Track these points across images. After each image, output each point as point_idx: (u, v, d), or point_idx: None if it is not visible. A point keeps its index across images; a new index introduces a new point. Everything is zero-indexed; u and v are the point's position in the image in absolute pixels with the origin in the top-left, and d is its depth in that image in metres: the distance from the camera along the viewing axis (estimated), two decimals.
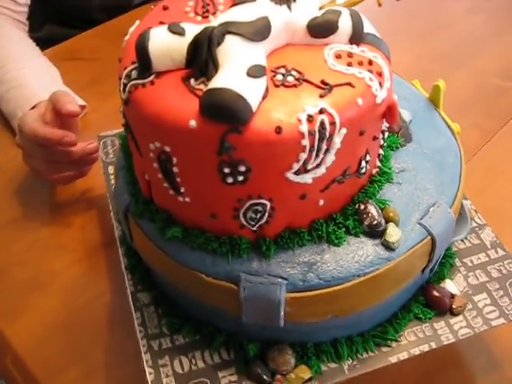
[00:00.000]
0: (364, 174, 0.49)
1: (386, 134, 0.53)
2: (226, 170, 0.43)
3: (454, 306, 0.57)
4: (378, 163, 0.52)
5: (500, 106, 0.96)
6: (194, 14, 0.49)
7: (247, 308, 0.49)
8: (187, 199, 0.47)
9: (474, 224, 0.65)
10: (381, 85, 0.44)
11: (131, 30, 0.49)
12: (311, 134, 0.41)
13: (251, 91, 0.40)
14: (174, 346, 0.55)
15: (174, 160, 0.44)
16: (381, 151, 0.52)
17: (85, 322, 0.66)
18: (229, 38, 0.42)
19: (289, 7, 0.45)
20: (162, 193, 0.48)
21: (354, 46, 0.46)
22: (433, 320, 0.57)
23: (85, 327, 0.66)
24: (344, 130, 0.42)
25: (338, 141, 0.43)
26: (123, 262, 0.60)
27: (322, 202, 0.47)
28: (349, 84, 0.43)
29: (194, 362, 0.54)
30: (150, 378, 0.52)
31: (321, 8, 0.48)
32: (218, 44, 0.42)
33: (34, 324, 0.67)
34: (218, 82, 0.40)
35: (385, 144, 0.53)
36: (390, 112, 0.47)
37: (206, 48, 0.41)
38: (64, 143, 0.71)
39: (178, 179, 0.46)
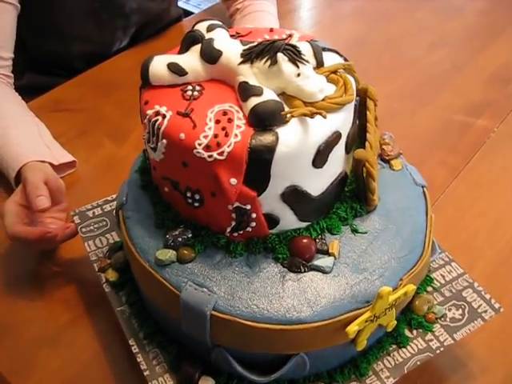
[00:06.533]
0: (191, 205, 0.57)
1: (254, 224, 0.57)
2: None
3: None
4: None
5: (464, 142, 1.01)
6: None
7: None
8: None
9: None
10: (208, 147, 0.52)
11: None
12: (149, 120, 0.56)
13: (158, 72, 0.57)
14: None
15: None
16: (233, 223, 0.56)
17: (94, 375, 0.69)
18: (198, 45, 0.58)
19: (243, 62, 0.55)
20: None
21: (244, 122, 0.53)
22: None
23: (95, 380, 0.69)
24: (164, 141, 0.55)
25: (160, 145, 0.55)
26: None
27: (166, 189, 0.60)
28: (194, 124, 0.53)
29: None
30: None
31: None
32: (194, 43, 0.59)
33: (46, 380, 0.69)
34: (159, 55, 0.59)
35: (249, 229, 0.57)
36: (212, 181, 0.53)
37: (185, 40, 0.59)
38: (45, 240, 0.75)
39: None
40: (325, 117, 0.51)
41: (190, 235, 0.59)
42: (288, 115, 0.51)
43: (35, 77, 1.19)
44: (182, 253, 0.58)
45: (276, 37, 0.63)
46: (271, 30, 0.65)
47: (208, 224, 0.59)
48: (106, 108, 1.06)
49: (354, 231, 0.61)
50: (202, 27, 0.60)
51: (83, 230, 0.76)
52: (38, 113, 0.97)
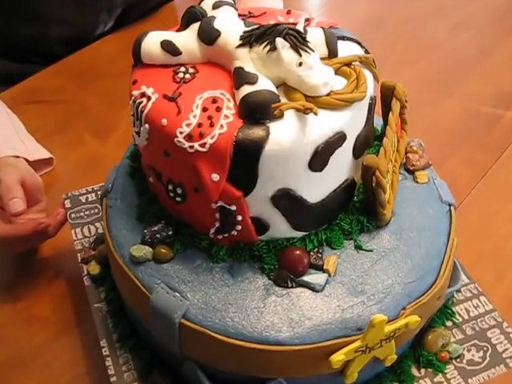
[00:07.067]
0: (173, 199, 0.52)
1: (240, 227, 0.51)
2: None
3: None
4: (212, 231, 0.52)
5: (493, 137, 0.91)
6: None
7: None
8: None
9: None
10: (190, 137, 0.46)
11: None
12: (134, 102, 0.51)
13: (150, 50, 0.52)
14: None
15: None
16: (217, 224, 0.51)
17: None
18: (197, 23, 0.52)
19: (241, 45, 0.49)
20: None
21: (233, 113, 0.47)
22: None
23: None
24: (147, 126, 0.49)
25: (143, 130, 0.50)
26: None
27: (151, 179, 0.55)
28: (179, 110, 0.48)
29: None
30: None
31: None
32: (194, 21, 0.53)
33: None
34: (155, 31, 0.54)
35: (234, 233, 0.51)
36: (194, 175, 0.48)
37: (184, 16, 0.54)
38: (39, 232, 0.68)
39: None
40: (316, 114, 0.44)
41: (170, 232, 0.53)
42: (277, 109, 0.44)
43: (8, 64, 1.04)
44: (159, 251, 0.53)
45: (291, 20, 0.56)
46: (288, 12, 0.58)
47: (191, 222, 0.53)
48: (87, 99, 0.95)
49: (358, 247, 0.54)
50: (207, 4, 0.55)
51: (72, 215, 0.71)
52: (10, 104, 0.86)
